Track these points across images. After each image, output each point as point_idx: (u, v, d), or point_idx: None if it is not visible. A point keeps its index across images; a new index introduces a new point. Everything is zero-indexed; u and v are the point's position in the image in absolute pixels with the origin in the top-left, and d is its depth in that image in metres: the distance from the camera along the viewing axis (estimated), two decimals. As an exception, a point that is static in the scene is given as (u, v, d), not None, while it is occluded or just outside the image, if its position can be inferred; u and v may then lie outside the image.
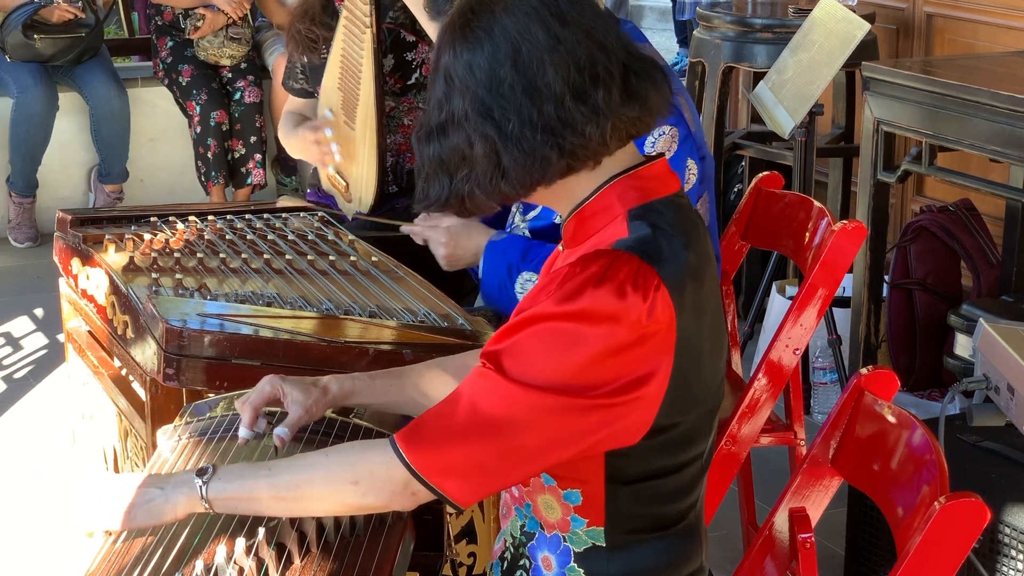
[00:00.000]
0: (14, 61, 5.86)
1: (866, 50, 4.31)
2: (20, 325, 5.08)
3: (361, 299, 2.71)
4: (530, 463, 1.77)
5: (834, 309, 4.17)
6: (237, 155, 6.11)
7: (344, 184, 3.42)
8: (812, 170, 4.35)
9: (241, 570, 1.84)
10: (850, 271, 3.85)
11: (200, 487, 1.86)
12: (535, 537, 1.91)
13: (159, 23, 6.15)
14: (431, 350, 2.46)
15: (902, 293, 4.33)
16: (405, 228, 2.95)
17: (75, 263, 2.99)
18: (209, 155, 6.04)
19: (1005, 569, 2.87)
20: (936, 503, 1.78)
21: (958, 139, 3.58)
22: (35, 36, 5.80)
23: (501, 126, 1.76)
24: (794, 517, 2.13)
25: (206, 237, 3.01)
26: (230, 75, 6.12)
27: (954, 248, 4.28)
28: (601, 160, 1.81)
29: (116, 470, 2.85)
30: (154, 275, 2.77)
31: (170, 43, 6.11)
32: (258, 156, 6.11)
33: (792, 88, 4.10)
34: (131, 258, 2.85)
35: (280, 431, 2.05)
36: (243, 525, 1.93)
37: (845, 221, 2.79)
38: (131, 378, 2.80)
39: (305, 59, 3.52)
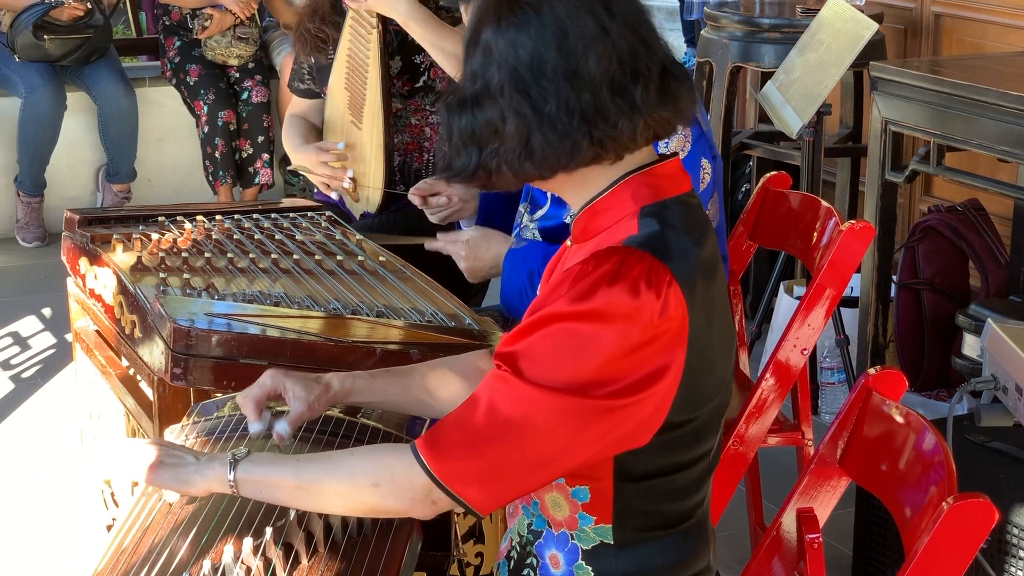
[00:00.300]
0: (23, 61, 5.86)
1: (874, 50, 4.31)
2: (28, 324, 5.09)
3: (368, 299, 2.71)
4: (550, 466, 1.77)
5: (842, 309, 4.17)
6: (245, 155, 6.12)
7: (352, 184, 3.42)
8: (820, 170, 4.35)
9: (248, 570, 1.84)
10: (858, 271, 3.85)
11: (231, 465, 1.88)
12: (543, 535, 1.91)
13: (167, 23, 6.16)
14: (438, 350, 2.46)
15: (910, 293, 4.33)
16: (429, 245, 2.98)
17: (83, 263, 3.00)
18: (217, 155, 6.04)
19: (1013, 570, 2.87)
20: (944, 503, 1.78)
21: (966, 139, 3.57)
22: (45, 37, 5.81)
23: (537, 106, 1.76)
24: (802, 517, 2.13)
25: (214, 237, 3.02)
26: (238, 75, 6.12)
27: (962, 248, 4.27)
28: (623, 156, 1.81)
29: (124, 469, 2.85)
30: (162, 275, 2.78)
31: (178, 43, 6.12)
32: (266, 156, 6.11)
33: (800, 88, 4.09)
34: (139, 258, 2.86)
35: (281, 427, 2.06)
36: (251, 525, 1.93)
37: (853, 221, 2.78)
38: (139, 378, 2.80)
39: (312, 59, 3.52)
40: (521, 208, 2.91)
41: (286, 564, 1.86)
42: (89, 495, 1.96)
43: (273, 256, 2.91)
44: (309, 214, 3.26)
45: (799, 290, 4.38)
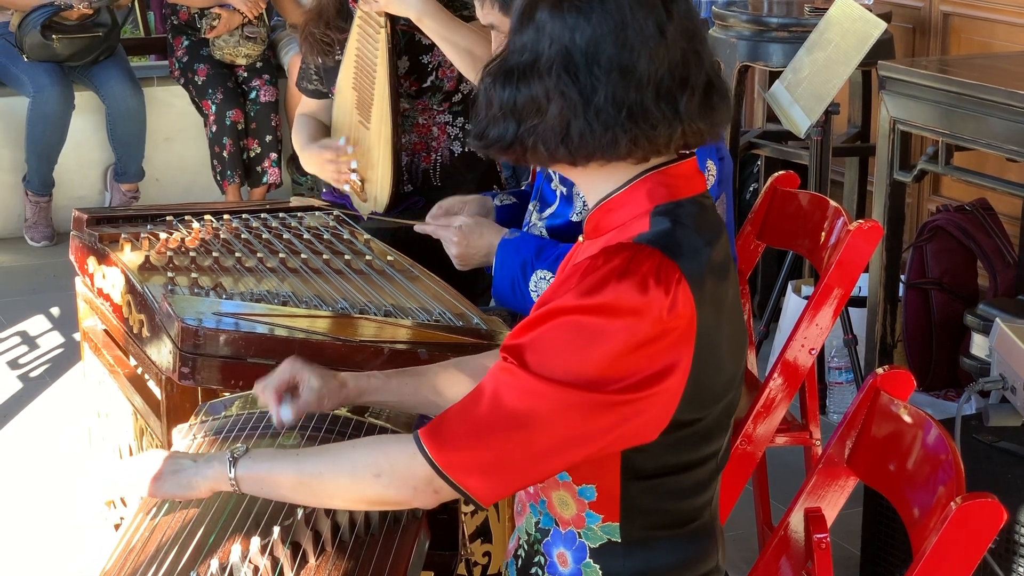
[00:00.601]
0: (31, 61, 5.87)
1: (882, 49, 4.30)
2: (36, 324, 5.10)
3: (376, 298, 2.71)
4: (552, 459, 1.76)
5: (850, 309, 4.17)
6: (252, 154, 6.12)
7: (359, 183, 3.42)
8: (828, 169, 4.35)
9: (256, 569, 1.84)
10: (866, 271, 3.84)
11: (230, 463, 1.88)
12: (550, 533, 1.90)
13: (175, 22, 6.17)
14: (446, 349, 2.46)
15: (918, 293, 4.32)
16: (419, 227, 2.95)
17: (91, 262, 3.00)
18: (225, 154, 6.05)
19: (1021, 570, 2.87)
20: (952, 503, 1.78)
21: (975, 138, 3.57)
22: (53, 36, 5.82)
23: (585, 93, 1.75)
24: (810, 517, 2.13)
25: (221, 236, 3.02)
26: (246, 74, 6.13)
27: (970, 248, 4.26)
28: (650, 158, 1.81)
29: (132, 469, 2.86)
30: (170, 274, 2.78)
31: (186, 42, 6.12)
32: (273, 155, 6.12)
33: (808, 87, 4.09)
34: (147, 257, 2.86)
35: (284, 413, 2.07)
36: (258, 524, 1.93)
37: (861, 220, 2.78)
38: (147, 377, 2.81)
39: (320, 60, 3.52)
40: (530, 207, 2.91)
41: (294, 563, 1.86)
42: (93, 495, 1.97)
43: (281, 255, 2.91)
44: (317, 213, 3.26)
45: (807, 290, 4.38)
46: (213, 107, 6.02)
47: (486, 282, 3.46)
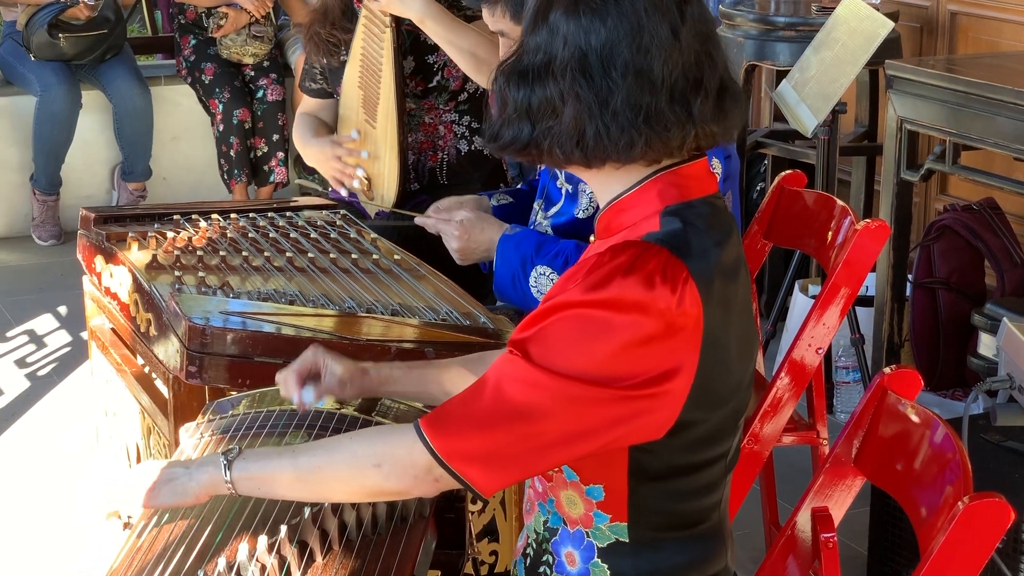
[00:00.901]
0: (38, 60, 5.87)
1: (889, 48, 4.30)
2: (44, 323, 5.10)
3: (383, 297, 2.71)
4: (553, 452, 1.76)
5: (857, 308, 4.16)
6: (260, 153, 6.12)
7: (366, 182, 3.42)
8: (835, 169, 4.34)
9: (263, 568, 1.84)
10: (873, 270, 3.84)
11: (224, 466, 1.87)
12: (558, 533, 1.90)
13: (182, 21, 6.17)
14: (453, 348, 2.46)
15: (925, 292, 4.32)
16: (419, 220, 2.94)
17: (98, 261, 3.00)
18: (232, 153, 6.05)
19: (1029, 569, 2.86)
20: (959, 503, 1.78)
21: (982, 138, 3.56)
22: (59, 35, 5.82)
23: (601, 95, 1.75)
24: (817, 517, 2.13)
25: (228, 235, 3.02)
26: (253, 73, 6.13)
27: (978, 247, 4.26)
28: (662, 160, 1.81)
29: (139, 467, 2.86)
30: (177, 273, 2.78)
31: (193, 41, 6.13)
32: (280, 154, 6.12)
33: (815, 86, 4.09)
34: (154, 256, 2.86)
35: (306, 395, 2.07)
36: (265, 523, 1.94)
37: (868, 220, 2.78)
38: (154, 376, 2.81)
39: (325, 61, 3.52)
40: (536, 205, 2.91)
41: (301, 562, 1.86)
42: (92, 510, 1.97)
43: (288, 254, 2.91)
44: (324, 212, 3.26)
45: (814, 289, 4.37)
46: (220, 106, 6.02)
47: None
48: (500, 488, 1.82)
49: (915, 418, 2.01)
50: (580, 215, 2.76)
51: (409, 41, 3.41)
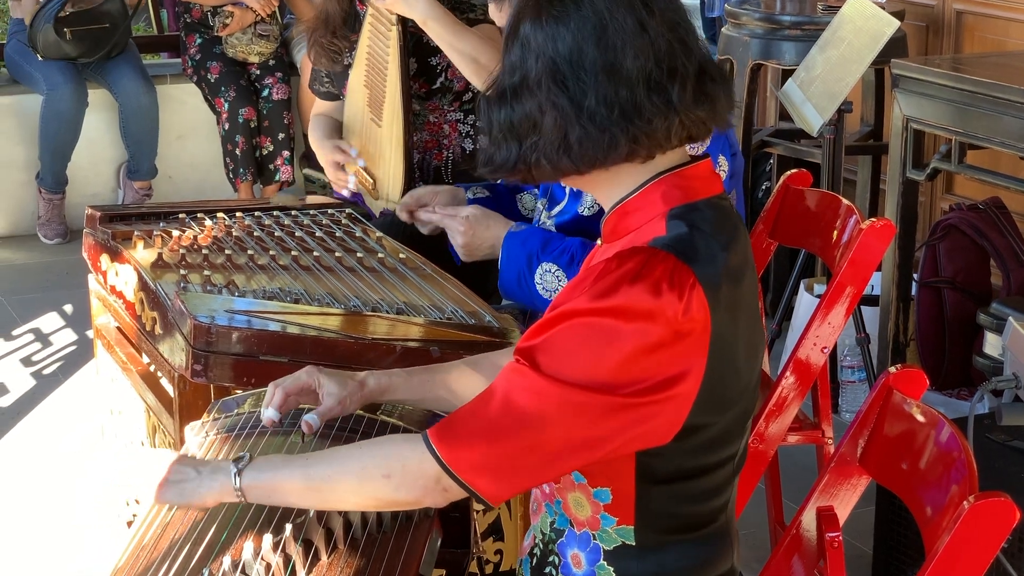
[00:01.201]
0: (45, 59, 5.87)
1: (895, 47, 4.29)
2: (49, 321, 5.11)
3: (389, 296, 2.71)
4: (561, 460, 1.76)
5: (862, 307, 4.16)
6: (265, 152, 6.13)
7: (371, 181, 3.43)
8: (840, 168, 4.34)
9: (268, 566, 1.84)
10: (879, 269, 3.84)
11: (234, 475, 1.87)
12: (565, 534, 1.90)
13: (188, 20, 6.17)
14: (458, 347, 2.46)
15: (931, 291, 4.31)
16: (424, 215, 2.94)
17: (104, 259, 3.01)
18: (237, 152, 6.06)
19: (1034, 569, 2.86)
20: (965, 502, 1.77)
21: (988, 137, 3.56)
22: (65, 30, 5.82)
23: (575, 99, 1.76)
24: (822, 516, 2.13)
25: (234, 234, 3.02)
26: (258, 72, 6.13)
27: (983, 246, 4.26)
28: (655, 155, 1.81)
29: (144, 466, 2.86)
30: (182, 271, 2.78)
31: (199, 40, 6.13)
32: (286, 153, 6.12)
33: (821, 85, 4.08)
34: (159, 254, 2.86)
35: (310, 417, 2.06)
36: (270, 521, 1.94)
37: (874, 219, 2.78)
38: (159, 374, 2.81)
39: (328, 66, 3.54)
40: (539, 205, 2.91)
41: (306, 560, 1.86)
42: (96, 491, 1.96)
43: (293, 253, 2.91)
44: (329, 211, 3.26)
45: (819, 288, 4.37)
46: (226, 105, 6.03)
47: (497, 281, 3.47)
48: (508, 497, 1.82)
49: (920, 417, 2.00)
50: (584, 212, 2.76)
51: (412, 43, 3.40)
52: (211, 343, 2.45)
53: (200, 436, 2.20)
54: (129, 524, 2.02)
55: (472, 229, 2.81)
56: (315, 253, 2.92)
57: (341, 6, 3.46)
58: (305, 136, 5.78)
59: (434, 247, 3.09)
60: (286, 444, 2.12)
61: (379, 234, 3.11)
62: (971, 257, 4.30)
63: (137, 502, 1.98)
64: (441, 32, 3.23)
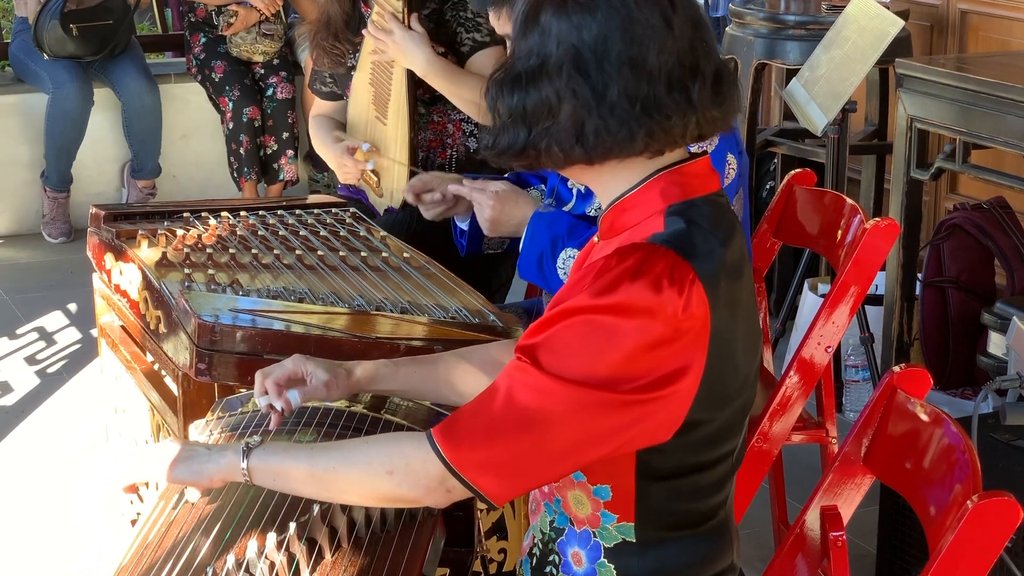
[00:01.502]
0: (52, 59, 5.87)
1: (900, 47, 4.29)
2: (54, 320, 5.11)
3: (392, 295, 2.71)
4: (565, 459, 1.76)
5: (866, 307, 4.16)
6: (269, 151, 6.13)
7: (376, 180, 3.43)
8: (845, 167, 4.34)
9: (272, 565, 1.84)
10: (883, 269, 3.84)
11: (243, 454, 1.87)
12: (565, 533, 1.90)
13: (192, 19, 6.17)
14: (462, 346, 2.46)
15: (935, 291, 4.31)
16: (453, 188, 2.92)
17: (108, 258, 3.01)
18: (241, 151, 6.06)
19: (1038, 569, 2.86)
20: (969, 502, 1.77)
21: (992, 136, 3.56)
22: (71, 26, 5.82)
23: (597, 90, 1.75)
24: (826, 515, 2.13)
25: (238, 233, 3.02)
26: (263, 71, 6.13)
27: (988, 246, 4.25)
28: (664, 151, 1.81)
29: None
30: (187, 270, 2.78)
31: (203, 39, 6.13)
32: (290, 152, 6.12)
33: (825, 85, 4.08)
34: (164, 253, 2.87)
35: (292, 394, 2.07)
36: (275, 520, 1.94)
37: (878, 219, 2.78)
38: (163, 373, 2.81)
39: (331, 68, 3.54)
40: (548, 201, 2.90)
41: (309, 559, 1.86)
42: (104, 482, 1.96)
43: (297, 252, 2.91)
44: (333, 210, 3.27)
45: (823, 288, 4.37)
46: (230, 104, 6.03)
47: (502, 279, 3.47)
48: (512, 497, 1.82)
49: (924, 417, 2.00)
50: (592, 214, 2.76)
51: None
52: (215, 342, 2.46)
53: (204, 435, 2.20)
54: (133, 523, 2.02)
55: (501, 204, 2.79)
56: (319, 252, 2.92)
57: (343, 8, 3.46)
58: (310, 136, 5.78)
59: (438, 246, 3.09)
60: (291, 442, 2.12)
61: (383, 233, 3.11)
62: (975, 257, 4.30)
63: (146, 487, 1.98)
64: (441, 83, 3.30)
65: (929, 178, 3.84)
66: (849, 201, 2.92)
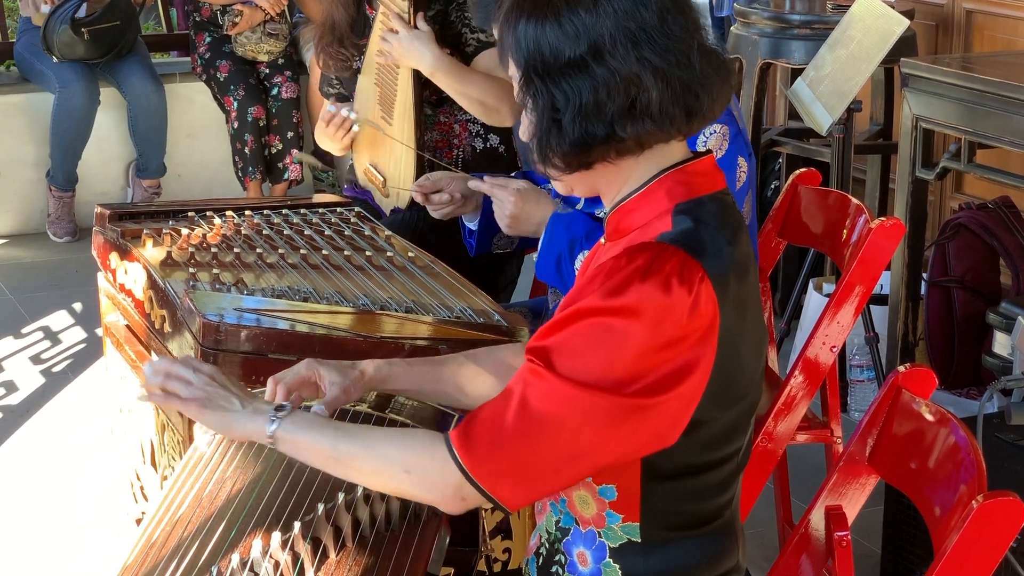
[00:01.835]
0: (61, 61, 5.87)
1: (905, 46, 4.29)
2: (59, 319, 5.11)
3: (397, 294, 2.71)
4: (580, 464, 1.76)
5: (872, 307, 4.15)
6: (274, 150, 6.13)
7: (381, 179, 3.43)
8: (850, 167, 4.33)
9: (277, 564, 1.84)
10: (888, 268, 3.83)
11: (272, 420, 1.87)
12: (570, 532, 1.90)
13: (197, 19, 6.18)
14: (467, 346, 2.46)
15: (940, 291, 4.31)
16: (473, 184, 2.91)
17: (113, 257, 3.01)
18: (246, 150, 6.06)
19: (1043, 569, 2.85)
20: (974, 502, 1.77)
21: (997, 136, 3.55)
22: (82, 29, 5.82)
23: (673, 63, 1.78)
24: (830, 515, 2.12)
25: (243, 232, 3.03)
26: (267, 71, 6.14)
27: (993, 246, 4.25)
28: (671, 140, 1.82)
29: (153, 464, 2.87)
30: (191, 270, 2.79)
31: (208, 39, 6.14)
32: (295, 151, 6.13)
33: (830, 85, 4.08)
34: (168, 253, 2.87)
35: (318, 408, 2.06)
36: (279, 519, 1.94)
37: (883, 218, 2.77)
38: (168, 372, 2.81)
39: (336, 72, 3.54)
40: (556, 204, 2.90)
41: (314, 558, 1.86)
42: (117, 488, 1.97)
43: (302, 252, 2.91)
44: (338, 210, 3.27)
45: (828, 287, 4.37)
46: (235, 103, 6.03)
47: (507, 279, 3.47)
48: (527, 503, 1.82)
49: (929, 417, 2.00)
50: (601, 215, 2.76)
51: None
52: (220, 341, 2.46)
53: (209, 434, 2.20)
54: (138, 521, 2.02)
55: (523, 201, 2.77)
56: (324, 251, 2.92)
57: (348, 12, 3.46)
58: (314, 135, 5.78)
59: (443, 246, 3.09)
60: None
61: (388, 232, 3.11)
62: (980, 256, 4.29)
63: (143, 514, 1.97)
64: (449, 82, 3.28)
65: (934, 178, 3.83)
66: (854, 201, 2.91)
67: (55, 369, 4.68)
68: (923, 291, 4.19)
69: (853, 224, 2.86)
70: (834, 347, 2.81)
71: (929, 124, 3.76)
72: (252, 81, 6.08)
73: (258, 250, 2.91)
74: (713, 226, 1.80)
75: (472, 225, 2.99)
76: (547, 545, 1.94)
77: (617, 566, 1.87)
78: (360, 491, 1.96)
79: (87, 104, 5.89)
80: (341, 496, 1.96)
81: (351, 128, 3.40)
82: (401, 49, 3.29)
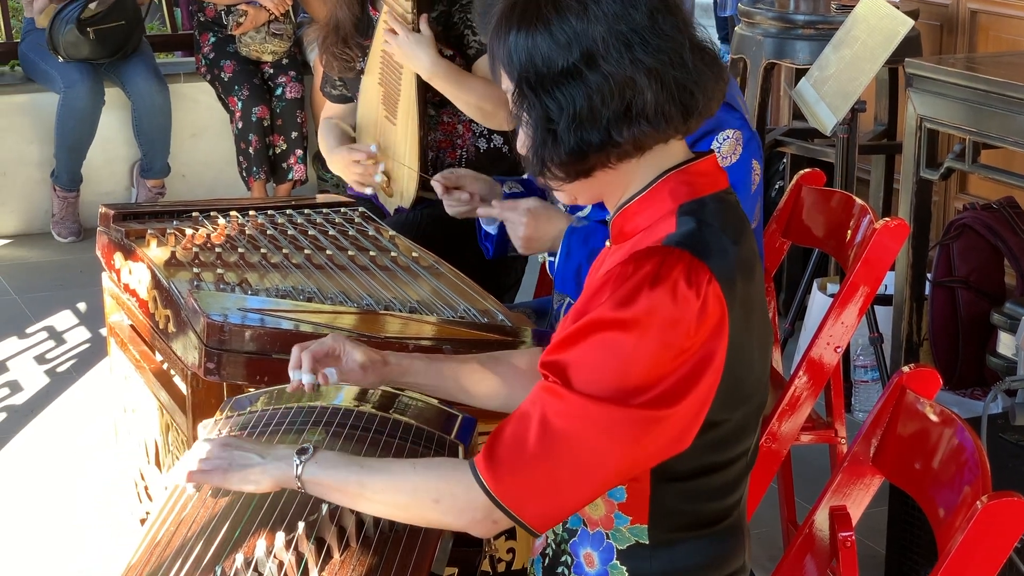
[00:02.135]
0: (67, 61, 5.87)
1: (909, 46, 4.29)
2: (63, 319, 5.12)
3: (401, 294, 2.71)
4: (602, 478, 1.76)
5: (876, 307, 4.15)
6: (278, 150, 6.13)
7: (386, 180, 3.43)
8: (854, 167, 4.33)
9: (281, 564, 1.84)
10: (892, 269, 3.83)
11: (297, 466, 1.87)
12: (577, 533, 1.90)
13: (201, 19, 6.18)
14: (471, 346, 2.46)
15: (944, 291, 4.31)
16: (482, 211, 2.90)
17: (118, 257, 3.01)
18: (251, 150, 6.06)
19: (1047, 569, 2.85)
20: (978, 502, 1.77)
21: (1002, 136, 3.55)
22: (88, 30, 5.82)
23: (667, 62, 1.77)
24: (835, 515, 2.12)
25: (247, 232, 3.03)
26: (272, 71, 6.14)
27: (997, 246, 4.25)
28: (669, 140, 1.82)
29: (157, 464, 2.87)
30: (196, 270, 2.79)
31: (212, 39, 6.14)
32: (299, 151, 6.13)
33: (834, 85, 4.08)
34: (173, 253, 2.87)
35: (330, 371, 2.08)
36: (283, 519, 1.94)
37: (887, 219, 2.77)
38: (172, 372, 2.82)
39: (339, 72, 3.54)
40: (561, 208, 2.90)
41: (318, 559, 1.86)
42: (119, 488, 1.97)
43: (306, 252, 2.91)
44: (342, 210, 3.27)
45: (832, 288, 4.36)
46: (239, 103, 6.03)
47: (511, 279, 3.47)
48: (554, 524, 1.82)
49: (934, 417, 2.00)
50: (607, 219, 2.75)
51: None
52: (224, 341, 2.46)
53: (213, 434, 2.20)
54: (142, 521, 2.02)
55: (535, 221, 2.77)
56: (328, 252, 2.92)
57: (352, 12, 3.45)
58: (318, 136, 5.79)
59: (448, 246, 3.09)
60: (300, 442, 2.12)
61: (392, 233, 3.11)
62: (985, 257, 4.29)
63: (147, 513, 1.98)
64: (446, 87, 3.28)
65: (939, 178, 3.83)
66: (858, 201, 2.91)
67: (59, 369, 4.68)
68: (927, 291, 4.19)
69: (857, 224, 2.86)
70: (838, 347, 2.81)
71: (933, 124, 3.75)
72: (256, 81, 6.08)
73: (262, 250, 2.91)
74: (717, 226, 1.79)
75: (491, 229, 2.99)
76: (553, 546, 1.94)
77: (624, 568, 1.87)
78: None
79: (92, 104, 5.90)
80: (345, 496, 1.96)
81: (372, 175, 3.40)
82: (400, 52, 3.29)
